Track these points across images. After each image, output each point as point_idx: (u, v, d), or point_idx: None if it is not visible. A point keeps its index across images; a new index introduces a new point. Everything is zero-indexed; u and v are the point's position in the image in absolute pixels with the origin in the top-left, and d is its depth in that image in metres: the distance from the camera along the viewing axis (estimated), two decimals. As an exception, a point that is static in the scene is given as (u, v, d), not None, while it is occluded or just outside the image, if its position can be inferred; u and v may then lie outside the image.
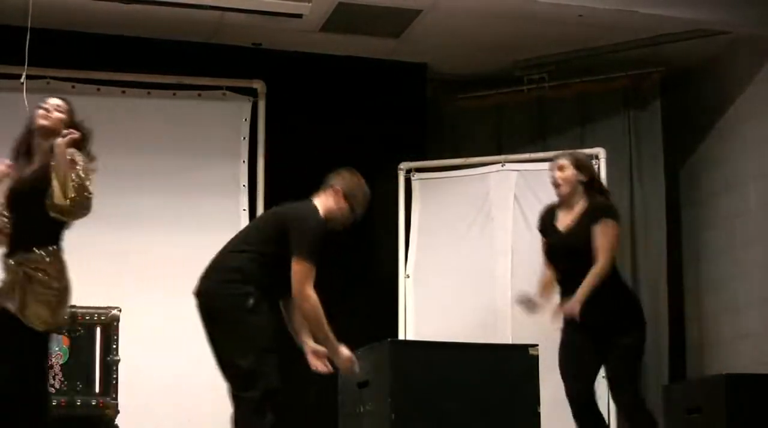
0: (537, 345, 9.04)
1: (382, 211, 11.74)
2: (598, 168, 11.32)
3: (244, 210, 11.89)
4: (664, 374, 11.72)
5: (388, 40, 12.13)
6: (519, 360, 8.94)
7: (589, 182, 9.01)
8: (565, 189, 8.97)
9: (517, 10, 11.21)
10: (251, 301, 8.00)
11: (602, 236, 8.70)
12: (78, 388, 9.65)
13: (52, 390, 9.41)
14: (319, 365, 8.43)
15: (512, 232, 11.55)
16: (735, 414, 8.68)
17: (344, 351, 8.33)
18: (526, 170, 11.68)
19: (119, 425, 9.69)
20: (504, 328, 11.14)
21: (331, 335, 8.33)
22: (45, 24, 11.07)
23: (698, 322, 12.36)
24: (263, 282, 8.10)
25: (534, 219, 11.13)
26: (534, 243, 11.07)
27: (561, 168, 9.02)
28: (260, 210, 11.79)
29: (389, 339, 9.07)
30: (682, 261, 12.53)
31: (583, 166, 9.11)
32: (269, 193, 11.89)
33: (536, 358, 8.90)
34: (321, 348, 8.40)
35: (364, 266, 12.18)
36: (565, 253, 8.82)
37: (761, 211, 11.47)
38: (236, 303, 8.00)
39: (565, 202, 9.06)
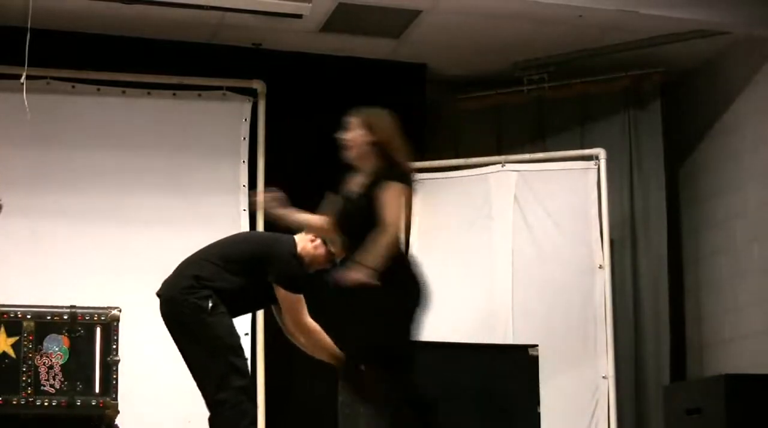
0: (537, 345, 9.14)
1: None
2: (598, 169, 11.52)
3: (244, 210, 11.86)
4: (665, 374, 11.73)
5: (387, 41, 12.16)
6: (519, 361, 9.05)
7: (380, 144, 8.32)
8: (352, 151, 8.39)
9: (517, 11, 11.19)
10: (209, 303, 8.25)
11: (382, 202, 8.01)
12: (78, 388, 9.55)
13: (52, 390, 9.44)
14: None
15: (512, 232, 11.55)
16: (735, 414, 8.76)
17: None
18: (526, 171, 11.72)
19: (119, 425, 9.60)
20: (505, 328, 11.18)
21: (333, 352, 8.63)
22: (45, 25, 11.11)
23: (698, 322, 12.37)
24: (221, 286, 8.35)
25: (534, 221, 11.42)
26: (534, 243, 11.37)
27: (349, 127, 8.48)
28: (262, 225, 11.70)
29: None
30: (683, 261, 12.56)
31: (374, 126, 8.45)
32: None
33: (536, 359, 8.99)
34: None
35: None
36: (343, 222, 8.35)
37: (761, 211, 11.45)
38: (195, 308, 8.27)
39: (357, 167, 8.43)
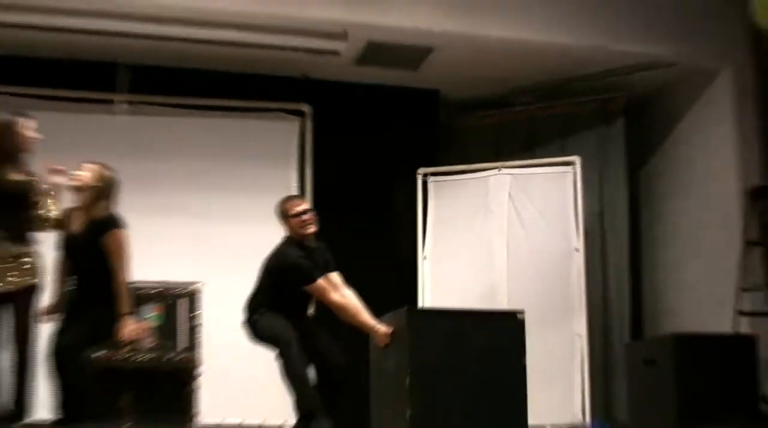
0: (524, 311, 9.06)
1: (404, 206, 12.37)
2: (575, 173, 11.62)
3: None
4: (626, 334, 11.92)
5: (408, 72, 12.15)
6: (510, 323, 8.77)
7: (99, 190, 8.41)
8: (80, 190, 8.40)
9: (511, 47, 11.34)
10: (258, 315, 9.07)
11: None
12: (168, 346, 9.85)
13: (148, 347, 9.71)
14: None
15: (507, 223, 11.70)
16: (681, 364, 8.76)
17: (380, 327, 8.86)
18: (517, 174, 11.83)
19: (200, 375, 9.86)
20: (501, 299, 11.24)
21: (363, 318, 8.99)
22: (142, 61, 11.57)
23: (653, 293, 12.48)
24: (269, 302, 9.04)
25: (525, 213, 11.80)
26: (524, 231, 11.73)
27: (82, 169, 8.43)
28: None
29: (407, 307, 8.97)
30: (641, 246, 12.66)
31: (101, 177, 8.49)
32: (315, 194, 12.02)
33: (523, 321, 8.79)
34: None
35: (391, 250, 12.34)
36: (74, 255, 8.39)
37: (702, 208, 11.71)
38: (252, 320, 9.15)
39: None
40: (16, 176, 8.19)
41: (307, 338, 8.93)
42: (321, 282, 8.92)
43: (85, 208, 8.35)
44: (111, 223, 8.28)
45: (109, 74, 11.33)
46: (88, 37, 10.99)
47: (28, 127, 8.31)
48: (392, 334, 8.86)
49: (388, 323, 8.98)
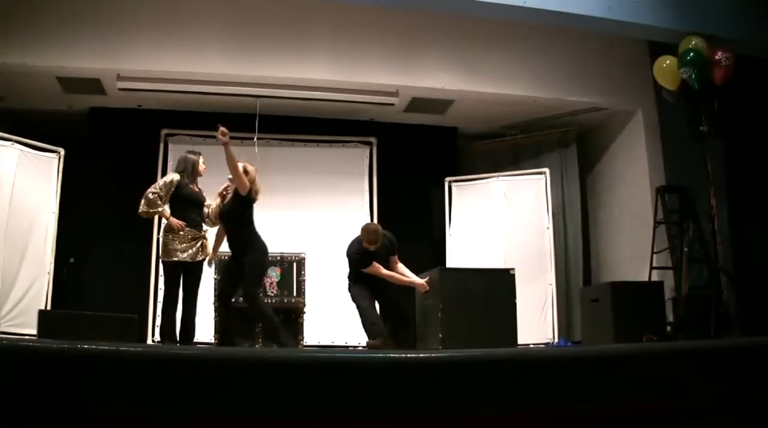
0: (514, 268, 9.19)
1: (437, 203, 12.28)
2: (545, 179, 11.58)
3: (367, 202, 12.00)
4: (580, 282, 11.84)
5: (437, 115, 12.10)
6: (505, 277, 9.06)
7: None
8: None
9: (501, 99, 11.32)
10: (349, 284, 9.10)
11: None
12: (285, 294, 10.06)
13: (272, 293, 9.94)
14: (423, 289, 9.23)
15: (503, 211, 11.67)
16: (615, 301, 8.94)
17: (419, 280, 9.16)
18: (508, 180, 11.82)
19: (306, 312, 10.10)
20: (499, 261, 11.09)
21: (406, 280, 9.23)
22: (266, 112, 11.42)
23: (597, 256, 12.39)
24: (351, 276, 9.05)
25: (514, 205, 11.65)
26: (514, 217, 11.57)
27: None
28: (375, 212, 11.87)
29: (438, 267, 9.33)
30: (588, 225, 12.55)
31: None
32: (379, 196, 12.04)
33: (514, 276, 9.06)
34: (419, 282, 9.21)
35: (429, 230, 12.31)
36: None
37: (625, 200, 11.73)
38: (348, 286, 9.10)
39: None
40: (196, 188, 8.63)
41: (380, 294, 9.11)
42: (371, 267, 8.96)
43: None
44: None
45: (249, 121, 11.30)
46: (236, 98, 11.18)
47: (200, 162, 8.72)
48: (429, 285, 9.08)
49: (426, 277, 9.18)
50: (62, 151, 10.68)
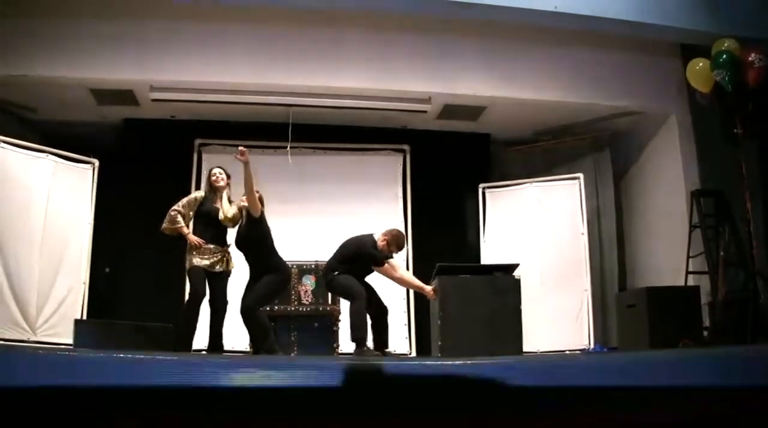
0: (518, 265, 9.23)
1: (471, 209, 12.20)
2: (579, 184, 11.44)
3: (401, 209, 12.02)
4: (616, 287, 11.82)
5: (470, 122, 12.11)
6: (510, 281, 9.06)
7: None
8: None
9: (533, 104, 11.33)
10: (336, 273, 8.80)
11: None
12: (320, 302, 10.00)
13: (306, 302, 9.96)
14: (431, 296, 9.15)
15: (537, 217, 11.58)
16: (650, 307, 9.00)
17: (428, 287, 9.04)
18: (542, 186, 11.76)
19: (341, 320, 9.96)
20: (534, 267, 11.10)
21: (416, 284, 9.19)
22: (299, 121, 11.49)
23: (632, 261, 12.26)
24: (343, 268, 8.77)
25: (549, 210, 11.56)
26: (549, 222, 11.50)
27: None
28: (410, 219, 11.94)
29: (437, 272, 9.26)
30: (624, 231, 12.46)
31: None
32: (413, 202, 12.08)
33: (519, 280, 9.08)
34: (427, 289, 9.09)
35: (463, 237, 12.27)
36: None
37: (660, 204, 11.60)
38: (330, 276, 8.83)
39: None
40: (218, 203, 8.68)
41: (367, 286, 8.94)
42: (386, 266, 8.93)
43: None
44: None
45: (283, 130, 11.44)
46: (269, 107, 11.32)
47: (213, 174, 8.83)
48: (435, 291, 9.01)
49: (435, 284, 9.17)
50: (96, 162, 10.79)
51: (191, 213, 8.64)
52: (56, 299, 10.07)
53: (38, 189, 10.07)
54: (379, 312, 8.89)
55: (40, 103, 11.07)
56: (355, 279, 8.81)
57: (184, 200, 8.71)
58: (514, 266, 9.37)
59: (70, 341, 8.83)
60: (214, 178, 8.79)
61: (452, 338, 8.62)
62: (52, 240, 10.11)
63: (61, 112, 11.33)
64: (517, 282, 9.11)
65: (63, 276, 10.21)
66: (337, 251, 9.12)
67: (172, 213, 8.52)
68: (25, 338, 9.54)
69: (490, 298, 8.90)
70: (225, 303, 8.54)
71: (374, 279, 9.12)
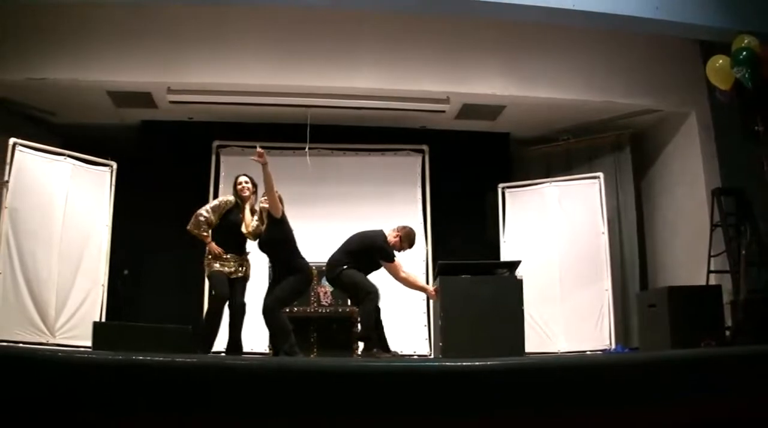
0: (520, 261, 9.22)
1: (491, 208, 12.17)
2: (599, 183, 11.45)
3: (420, 210, 12.01)
4: (637, 286, 11.76)
5: (489, 122, 12.15)
6: (511, 282, 8.99)
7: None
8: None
9: (552, 103, 11.36)
10: (345, 267, 8.84)
11: None
12: (339, 303, 10.11)
13: (326, 303, 10.06)
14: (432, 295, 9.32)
15: (557, 217, 11.61)
16: (672, 306, 8.90)
17: (430, 288, 9.33)
18: (562, 185, 11.78)
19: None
20: (554, 267, 11.29)
21: (419, 284, 9.39)
22: (317, 122, 11.54)
23: (653, 260, 12.21)
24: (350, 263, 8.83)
25: (569, 210, 11.54)
26: (569, 222, 11.50)
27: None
28: (429, 220, 11.95)
29: (437, 271, 9.30)
30: (644, 230, 12.37)
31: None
32: (432, 202, 12.06)
33: (521, 281, 9.00)
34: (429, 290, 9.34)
35: (483, 237, 12.20)
36: None
37: (681, 203, 11.57)
38: (336, 271, 8.88)
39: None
40: (241, 215, 8.81)
41: None
42: (392, 266, 8.99)
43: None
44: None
45: (301, 131, 11.49)
46: (287, 109, 11.40)
47: (239, 182, 8.89)
48: (437, 291, 9.02)
49: (437, 284, 9.19)
50: (115, 165, 10.90)
51: (218, 217, 8.70)
52: (75, 301, 10.19)
53: (57, 191, 10.20)
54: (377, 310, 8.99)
55: (58, 106, 11.17)
56: (364, 275, 8.88)
57: (215, 203, 8.85)
58: (516, 263, 9.33)
59: (89, 343, 8.74)
60: (240, 187, 8.85)
61: (454, 339, 8.59)
62: (70, 242, 10.22)
63: (80, 114, 11.44)
64: (520, 282, 9.04)
65: (81, 279, 10.32)
66: (344, 245, 9.17)
67: (201, 218, 8.61)
68: (44, 340, 9.64)
69: (492, 299, 8.84)
70: (243, 305, 8.61)
71: (380, 278, 9.23)
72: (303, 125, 11.50)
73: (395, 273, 9.08)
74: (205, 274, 8.83)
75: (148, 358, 3.20)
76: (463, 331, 8.61)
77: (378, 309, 8.88)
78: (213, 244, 8.58)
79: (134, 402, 3.11)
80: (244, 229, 8.70)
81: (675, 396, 3.42)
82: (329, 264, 9.08)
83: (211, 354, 8.26)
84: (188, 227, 8.66)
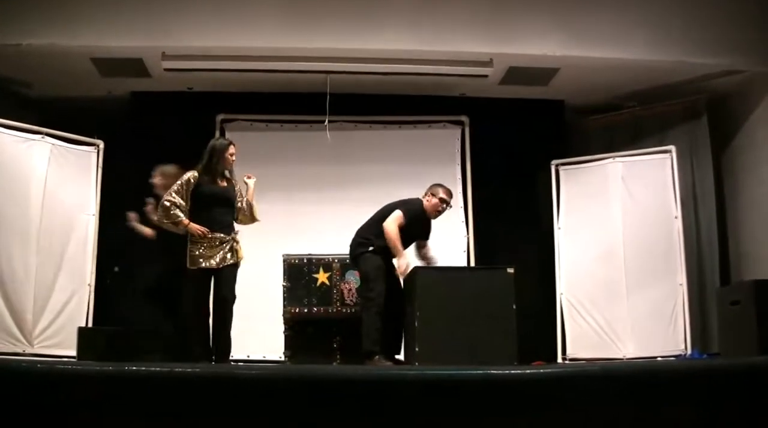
0: (513, 266, 8.67)
1: (544, 190, 12.05)
2: (671, 159, 11.31)
3: (460, 193, 11.86)
4: (717, 281, 11.54)
5: (539, 87, 12.00)
6: (500, 278, 8.55)
7: None
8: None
9: (614, 65, 11.15)
10: (371, 249, 8.85)
11: None
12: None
13: (351, 302, 9.77)
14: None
15: (621, 199, 11.42)
16: (760, 303, 8.51)
17: (401, 261, 8.79)
18: (627, 161, 11.55)
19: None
20: (618, 259, 11.16)
21: (394, 247, 8.81)
22: (338, 91, 11.47)
23: (737, 249, 12.00)
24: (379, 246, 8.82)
25: (635, 191, 11.53)
26: (635, 204, 11.58)
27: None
28: (470, 194, 11.90)
29: (415, 266, 8.92)
30: (726, 213, 12.19)
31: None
32: (473, 183, 11.98)
33: (511, 276, 8.55)
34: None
35: (534, 222, 12.10)
36: None
37: (766, 182, 11.30)
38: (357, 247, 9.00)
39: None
40: (223, 183, 8.70)
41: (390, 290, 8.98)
42: (400, 217, 8.93)
43: None
44: None
45: (319, 101, 11.32)
46: (302, 75, 11.28)
47: (232, 152, 8.77)
48: (407, 272, 8.81)
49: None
50: (101, 144, 10.89)
51: (187, 197, 8.53)
52: (57, 304, 10.09)
53: (34, 175, 10.11)
54: (396, 315, 8.80)
55: (35, 76, 11.11)
56: (384, 272, 8.78)
57: (175, 186, 8.57)
58: (505, 269, 8.95)
59: (74, 353, 8.82)
60: (233, 158, 8.75)
61: (431, 343, 8.29)
62: (51, 236, 10.15)
63: (60, 86, 11.36)
64: (509, 277, 8.68)
65: (64, 278, 10.24)
66: (375, 220, 9.14)
67: (166, 203, 8.45)
68: (20, 350, 9.58)
69: (478, 296, 8.53)
70: (227, 300, 8.40)
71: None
72: (322, 94, 11.31)
73: (395, 240, 8.82)
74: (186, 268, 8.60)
75: (143, 368, 3.30)
76: (441, 334, 8.34)
77: (400, 314, 8.83)
78: (193, 225, 8.38)
79: (126, 421, 3.20)
80: (240, 204, 8.75)
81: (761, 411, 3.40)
82: (355, 241, 9.13)
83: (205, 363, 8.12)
84: (157, 218, 8.64)
